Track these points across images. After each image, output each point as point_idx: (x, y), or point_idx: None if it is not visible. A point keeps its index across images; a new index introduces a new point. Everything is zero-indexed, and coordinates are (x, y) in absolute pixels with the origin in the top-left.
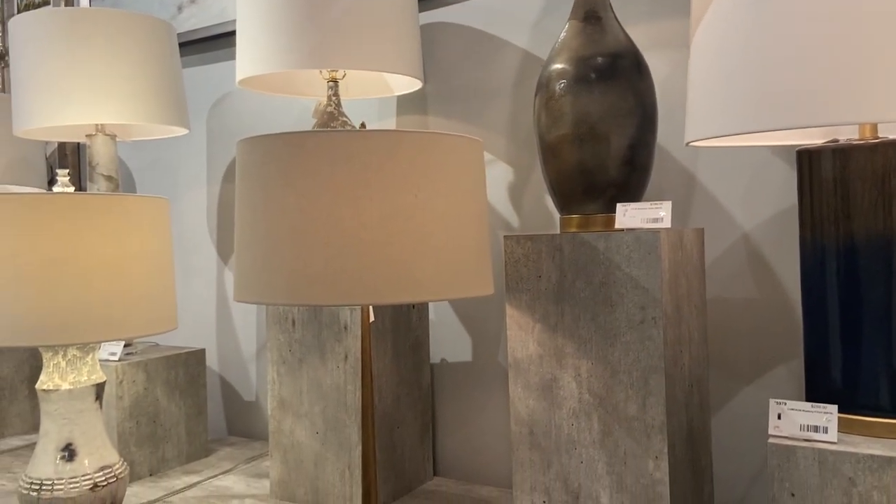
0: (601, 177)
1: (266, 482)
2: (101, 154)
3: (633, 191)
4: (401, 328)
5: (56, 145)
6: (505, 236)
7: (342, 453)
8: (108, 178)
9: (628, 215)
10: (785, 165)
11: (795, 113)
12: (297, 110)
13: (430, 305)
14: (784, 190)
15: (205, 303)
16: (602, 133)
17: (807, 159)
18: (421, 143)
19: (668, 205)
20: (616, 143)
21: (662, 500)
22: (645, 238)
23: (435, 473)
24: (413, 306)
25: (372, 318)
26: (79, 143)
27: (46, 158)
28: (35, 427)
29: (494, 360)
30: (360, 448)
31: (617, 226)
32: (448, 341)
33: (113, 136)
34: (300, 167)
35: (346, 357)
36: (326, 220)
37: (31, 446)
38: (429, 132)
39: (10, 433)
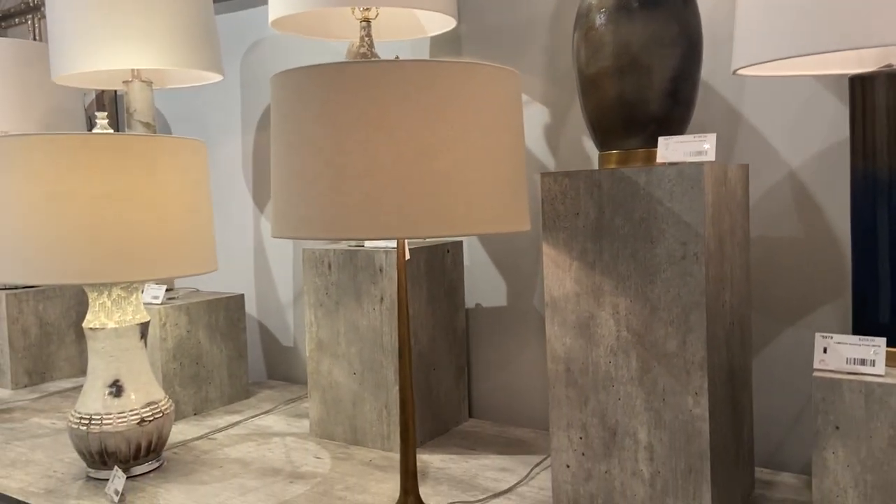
0: (642, 111)
1: (305, 422)
2: (138, 100)
3: (675, 126)
4: (436, 272)
5: (94, 96)
6: (542, 173)
7: (379, 393)
8: (146, 125)
9: (671, 149)
10: (833, 98)
11: (850, 34)
12: (330, 55)
13: (465, 250)
14: (832, 124)
15: (242, 250)
16: (644, 64)
17: (860, 86)
18: (458, 73)
19: (712, 137)
20: (658, 75)
21: (702, 436)
22: (688, 171)
23: (470, 415)
24: (448, 250)
25: (408, 257)
26: (116, 93)
27: (85, 109)
28: (82, 371)
29: (529, 304)
30: (396, 387)
31: (659, 160)
32: (483, 286)
33: (149, 83)
34: (335, 100)
35: (382, 299)
36: (363, 153)
37: (79, 388)
38: (466, 62)
39: (59, 376)
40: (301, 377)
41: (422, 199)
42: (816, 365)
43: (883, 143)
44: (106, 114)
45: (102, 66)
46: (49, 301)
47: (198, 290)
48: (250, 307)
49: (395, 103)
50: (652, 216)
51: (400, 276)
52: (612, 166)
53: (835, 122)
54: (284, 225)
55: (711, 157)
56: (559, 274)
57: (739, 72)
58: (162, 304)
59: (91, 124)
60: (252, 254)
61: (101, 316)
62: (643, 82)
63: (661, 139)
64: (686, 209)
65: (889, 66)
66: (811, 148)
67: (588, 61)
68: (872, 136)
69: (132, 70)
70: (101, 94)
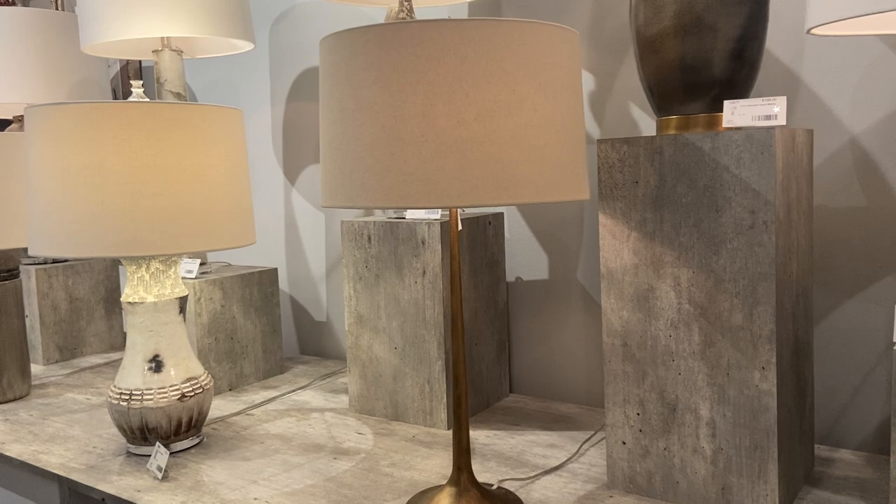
0: (705, 73)
1: (342, 398)
2: (168, 70)
3: (739, 89)
4: (477, 245)
5: (118, 68)
6: (599, 140)
7: (422, 368)
8: (177, 95)
9: (737, 113)
10: None
11: None
12: (364, 22)
13: (506, 223)
14: None
15: (273, 224)
16: (709, 24)
17: None
18: (518, 32)
19: (782, 100)
20: (724, 35)
21: (769, 411)
22: (757, 136)
23: (511, 391)
24: (489, 222)
25: (460, 227)
26: (141, 65)
27: (110, 81)
28: (112, 346)
29: (572, 278)
30: (439, 362)
31: (725, 124)
32: (524, 259)
33: (179, 52)
34: (391, 62)
35: (425, 272)
36: (421, 118)
37: (110, 364)
38: (525, 21)
39: (89, 352)
40: (334, 352)
41: (481, 165)
42: (895, 338)
43: None
44: (141, 82)
45: (133, 34)
46: (78, 276)
47: (229, 265)
48: (282, 282)
49: (453, 64)
50: (717, 184)
51: (453, 247)
52: (673, 132)
53: None
54: (337, 194)
55: (782, 121)
56: (616, 245)
57: (814, 31)
58: (196, 278)
59: (116, 96)
60: (283, 227)
61: (139, 290)
62: (707, 43)
63: (727, 103)
64: (755, 176)
65: None
66: (875, 113)
67: (648, 22)
68: None
69: (162, 39)
70: (125, 66)
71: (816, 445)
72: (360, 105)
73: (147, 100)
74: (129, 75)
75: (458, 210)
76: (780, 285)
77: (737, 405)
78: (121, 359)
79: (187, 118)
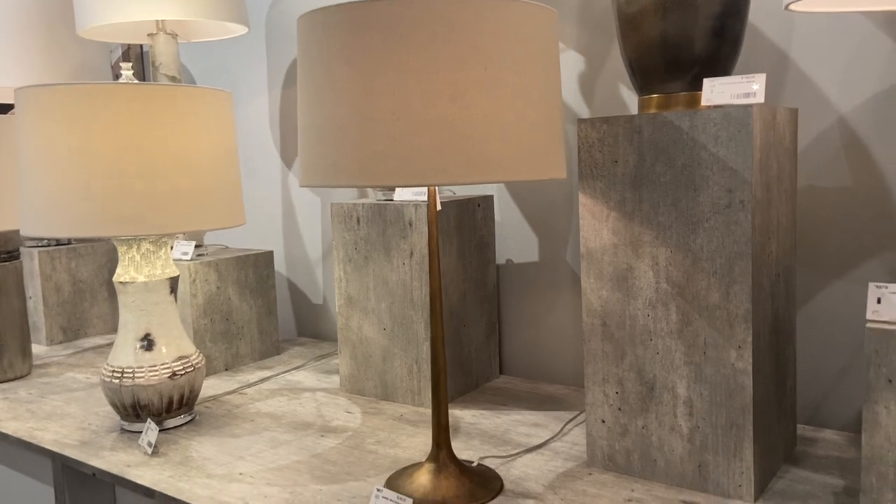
0: (686, 51)
1: (336, 378)
2: (163, 53)
3: (720, 67)
4: (466, 227)
5: (120, 52)
6: (579, 120)
7: (410, 348)
8: (172, 78)
9: (716, 91)
10: (888, 39)
11: None
12: None
13: (496, 205)
14: (887, 67)
15: (271, 208)
16: (689, 0)
17: None
18: (491, 9)
19: (761, 77)
20: (704, 12)
21: (744, 390)
22: (735, 114)
23: (501, 372)
24: (478, 204)
25: (439, 207)
26: (142, 48)
27: (112, 66)
28: (115, 328)
29: (561, 260)
30: (427, 343)
31: (704, 103)
32: (514, 242)
33: (174, 35)
34: (362, 41)
35: (412, 254)
36: (392, 96)
37: (112, 344)
38: None
39: (93, 333)
40: (331, 334)
41: (453, 143)
42: (869, 316)
43: None
44: (131, 64)
45: (127, 17)
46: (81, 259)
47: (227, 247)
48: (280, 265)
49: (424, 43)
50: (696, 162)
51: (431, 227)
52: (653, 111)
53: (890, 64)
54: (312, 173)
55: (760, 98)
56: (596, 225)
57: (791, 7)
58: (191, 260)
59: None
60: (280, 211)
61: (130, 270)
62: (688, 19)
63: (706, 81)
64: (733, 154)
65: None
66: (863, 93)
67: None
68: None
69: (157, 22)
70: (127, 50)
71: (801, 426)
72: (332, 84)
73: (136, 81)
74: (130, 59)
75: (449, 192)
76: (757, 264)
77: (713, 384)
78: None
79: (174, 99)
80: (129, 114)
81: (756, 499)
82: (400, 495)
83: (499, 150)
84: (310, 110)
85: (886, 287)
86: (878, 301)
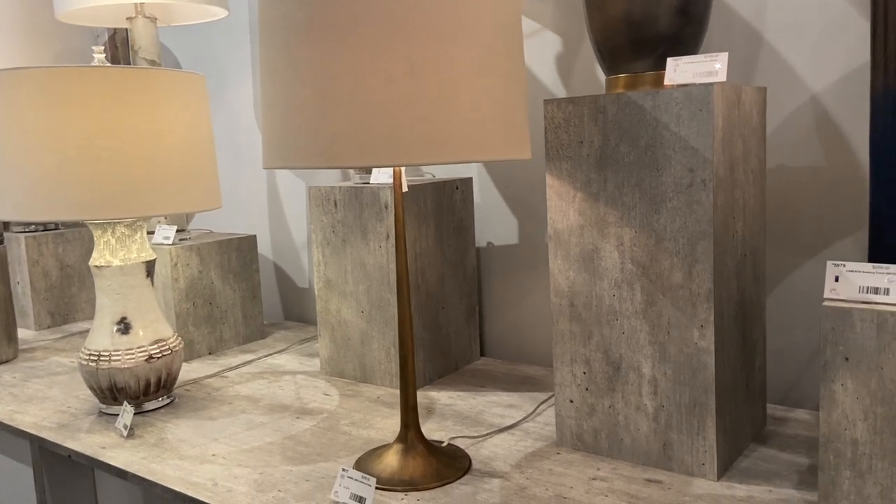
0: (651, 29)
1: (316, 361)
2: (142, 37)
3: (687, 46)
4: (444, 210)
5: (106, 38)
6: (545, 100)
7: (387, 331)
8: (151, 62)
9: (679, 70)
10: (860, 18)
11: None
12: None
13: (476, 187)
14: (859, 45)
15: (256, 194)
16: None
17: None
18: None
19: (724, 56)
20: None
21: (707, 369)
22: (696, 93)
23: (482, 354)
24: (456, 187)
25: (405, 189)
26: (127, 34)
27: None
28: None
29: (542, 243)
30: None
31: (667, 82)
32: (495, 225)
33: (153, 19)
34: (318, 19)
35: (388, 236)
36: (350, 76)
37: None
38: None
39: (81, 318)
40: (315, 317)
41: (412, 124)
42: (827, 294)
43: None
44: (102, 48)
45: (106, 1)
46: (68, 244)
47: (211, 232)
48: (266, 249)
49: (380, 21)
50: (658, 142)
51: (396, 208)
52: (620, 91)
53: (862, 42)
54: (274, 154)
55: (722, 77)
56: (562, 206)
57: None
58: (173, 244)
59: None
60: (266, 196)
61: (105, 254)
62: None
63: (669, 60)
64: (694, 134)
65: None
66: (835, 71)
67: None
68: (894, 54)
69: (135, 5)
70: (113, 35)
71: (773, 406)
72: (289, 64)
73: (108, 64)
74: (116, 44)
75: (428, 175)
76: (720, 244)
77: (677, 363)
78: None
79: (145, 82)
80: (98, 97)
81: (719, 477)
82: (364, 475)
83: (459, 130)
84: (269, 91)
85: (844, 265)
86: (836, 279)
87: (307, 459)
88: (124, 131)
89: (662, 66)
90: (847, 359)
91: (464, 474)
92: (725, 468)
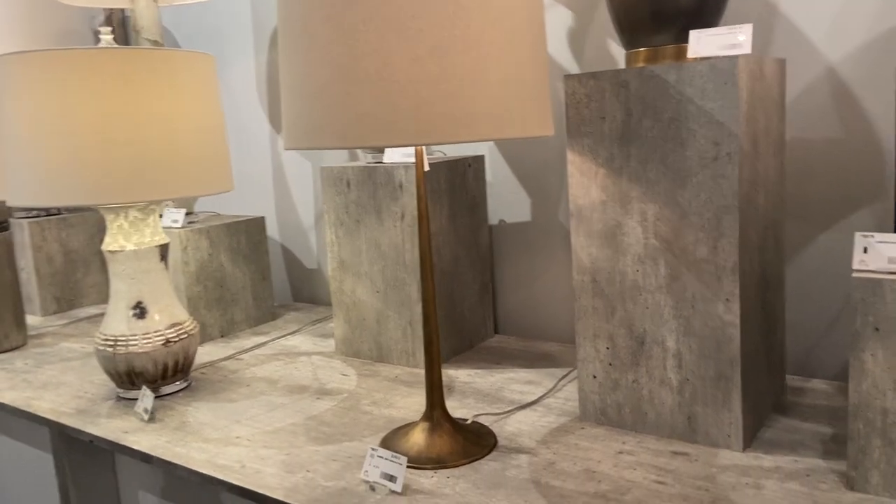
0: (672, 2)
1: (331, 341)
2: (144, 17)
3: (707, 19)
4: (457, 188)
5: (102, 18)
6: (566, 76)
7: (403, 310)
8: (154, 43)
9: (702, 42)
10: None
11: None
12: None
13: (487, 165)
14: (876, 14)
15: (262, 174)
16: None
17: None
18: None
19: (748, 28)
20: None
21: (732, 342)
22: (721, 66)
23: (496, 332)
24: (469, 165)
25: (427, 168)
26: (124, 13)
27: (94, 32)
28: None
29: (554, 219)
30: (420, 304)
31: (690, 55)
32: (506, 202)
33: None
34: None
35: (403, 216)
36: (375, 55)
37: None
38: None
39: (87, 303)
40: (326, 298)
41: (438, 102)
42: (856, 265)
43: None
44: (110, 28)
45: None
46: (72, 229)
47: (218, 214)
48: (273, 230)
49: (405, 1)
50: (682, 116)
51: (419, 187)
52: (641, 65)
53: (879, 11)
54: (296, 135)
55: (747, 49)
56: (584, 182)
57: None
58: (182, 227)
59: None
60: (271, 176)
61: (119, 238)
62: None
63: (692, 33)
64: (719, 107)
65: None
66: (852, 42)
67: None
68: None
69: None
70: (109, 16)
71: (790, 376)
72: (313, 45)
73: (116, 46)
74: (112, 25)
75: (439, 153)
76: (745, 218)
77: (702, 336)
78: None
79: (156, 64)
80: (111, 79)
81: (745, 448)
82: (394, 454)
83: (484, 108)
84: (291, 71)
85: (873, 236)
86: (865, 251)
87: (332, 439)
88: (136, 114)
89: (683, 40)
90: (877, 329)
91: (490, 451)
92: (750, 439)
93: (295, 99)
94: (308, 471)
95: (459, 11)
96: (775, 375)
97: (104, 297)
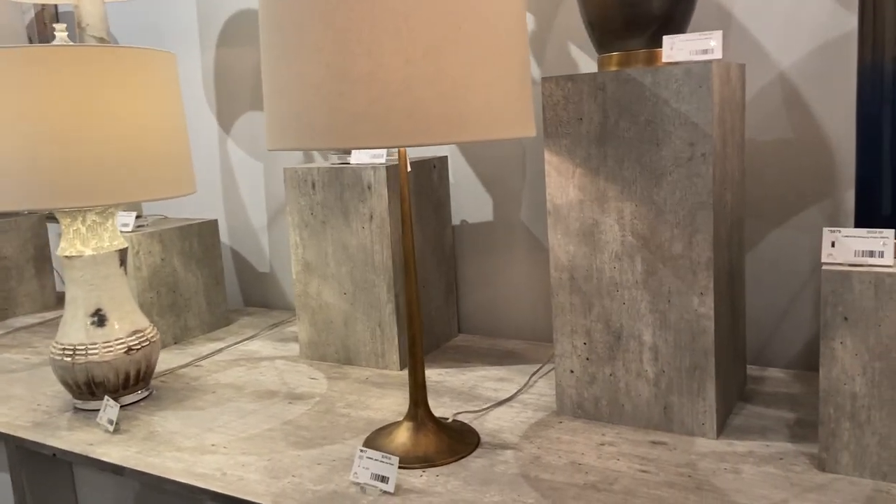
0: (645, 9)
1: (292, 346)
2: (90, 14)
3: (676, 25)
4: (423, 189)
5: (33, 14)
6: (543, 78)
7: (372, 312)
8: (100, 40)
9: (676, 48)
10: None
11: None
12: None
13: (450, 167)
14: (824, 23)
15: (209, 174)
16: None
17: None
18: None
19: (718, 35)
20: None
21: (707, 334)
22: (696, 70)
23: (459, 331)
24: (434, 166)
25: (409, 169)
26: (57, 10)
27: (26, 27)
28: (45, 306)
29: (516, 219)
30: (390, 305)
31: (664, 59)
32: (468, 202)
33: None
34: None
35: (372, 217)
36: (368, 56)
37: (46, 323)
38: None
39: (22, 312)
40: (280, 302)
41: (431, 104)
42: (825, 259)
43: (891, 34)
44: (65, 25)
45: None
46: (4, 234)
47: (166, 217)
48: (221, 234)
49: (400, 2)
50: (658, 118)
51: (403, 188)
52: (614, 68)
53: (826, 21)
54: (283, 135)
55: (718, 55)
56: (562, 182)
57: None
58: (133, 231)
59: (31, 42)
60: (219, 178)
61: (76, 243)
62: None
63: (666, 38)
64: (694, 109)
65: None
66: (802, 48)
67: None
68: (882, 28)
69: None
70: (41, 11)
71: (749, 365)
72: (303, 44)
73: (71, 44)
74: (45, 21)
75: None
76: (717, 215)
77: (677, 329)
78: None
79: (120, 62)
80: (72, 78)
81: (718, 435)
82: (385, 455)
83: (475, 110)
84: (280, 71)
85: (839, 231)
86: (832, 245)
87: (313, 443)
88: (99, 114)
89: (654, 44)
90: (846, 318)
91: (475, 448)
92: (722, 426)
93: (282, 98)
94: (293, 476)
95: (450, 14)
96: (739, 365)
97: (39, 306)
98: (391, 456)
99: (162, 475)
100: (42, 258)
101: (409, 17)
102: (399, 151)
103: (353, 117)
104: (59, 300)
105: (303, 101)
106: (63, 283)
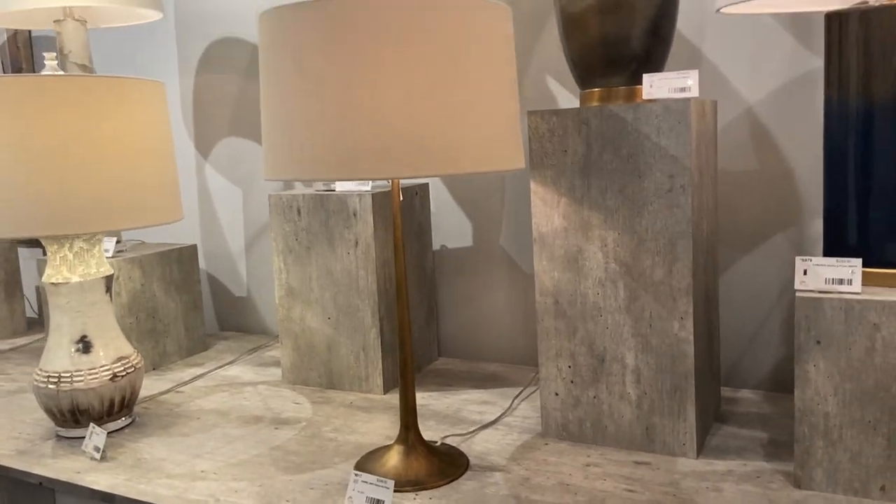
0: (625, 49)
1: (273, 370)
2: (72, 41)
3: (655, 63)
4: (405, 215)
5: (5, 38)
6: (529, 112)
7: (356, 336)
8: (83, 67)
9: (655, 85)
10: (789, 36)
11: None
12: None
13: (431, 193)
14: (788, 62)
15: (187, 201)
16: (629, 3)
17: (836, 22)
18: (457, 9)
19: (695, 73)
20: (641, 14)
21: (687, 357)
22: (675, 107)
23: (439, 354)
24: (416, 192)
25: (401, 198)
26: (30, 35)
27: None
28: (15, 332)
29: (495, 244)
30: (374, 330)
31: (644, 97)
32: (448, 228)
33: (83, 22)
34: (339, 37)
35: (357, 243)
36: (371, 91)
37: (17, 349)
38: None
39: None
40: (257, 327)
41: (432, 137)
42: (798, 286)
43: (855, 75)
44: (55, 54)
45: (33, 4)
46: None
47: (143, 242)
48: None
49: (399, 40)
50: (640, 151)
51: (395, 217)
52: (595, 104)
53: (791, 59)
54: (284, 166)
55: (695, 92)
56: (547, 211)
57: (723, 10)
58: (113, 256)
59: (4, 69)
60: (196, 203)
61: (62, 270)
62: (627, 21)
63: (645, 76)
64: (674, 143)
65: (864, 2)
66: (768, 85)
67: (572, 0)
68: (847, 69)
69: (64, 8)
70: (13, 36)
71: (721, 387)
72: (305, 79)
73: (61, 73)
74: (17, 45)
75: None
76: (696, 243)
77: (658, 353)
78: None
79: (111, 91)
80: (66, 107)
81: (698, 454)
82: (380, 479)
83: (475, 144)
84: (283, 105)
85: (811, 260)
86: (805, 273)
87: (303, 468)
88: (91, 142)
89: (634, 81)
90: (819, 342)
91: (465, 471)
92: (701, 447)
93: (284, 131)
94: (287, 501)
95: (448, 50)
96: (715, 386)
97: (9, 332)
98: (386, 480)
99: (154, 503)
100: (13, 283)
101: (410, 54)
102: (392, 182)
103: (356, 151)
104: (30, 326)
105: (304, 133)
106: (34, 308)
